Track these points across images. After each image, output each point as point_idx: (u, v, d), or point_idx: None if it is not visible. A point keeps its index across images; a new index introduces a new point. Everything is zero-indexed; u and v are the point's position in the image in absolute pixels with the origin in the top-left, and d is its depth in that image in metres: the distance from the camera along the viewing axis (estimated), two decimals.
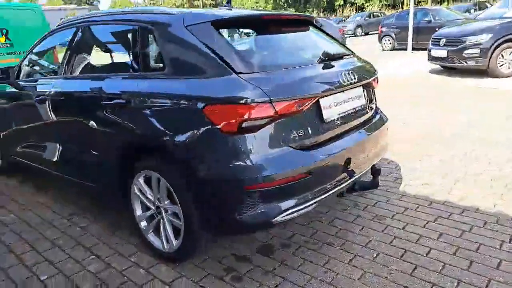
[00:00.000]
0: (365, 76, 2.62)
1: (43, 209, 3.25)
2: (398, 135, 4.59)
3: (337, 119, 2.30)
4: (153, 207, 2.38)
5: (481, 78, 7.77)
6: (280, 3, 50.36)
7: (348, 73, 2.36)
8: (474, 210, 2.81)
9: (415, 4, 14.93)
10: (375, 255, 2.35)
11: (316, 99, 2.14)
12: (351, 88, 2.42)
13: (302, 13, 3.11)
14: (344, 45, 2.92)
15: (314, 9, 43.15)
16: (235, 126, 1.89)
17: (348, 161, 2.33)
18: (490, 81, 7.51)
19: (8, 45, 9.08)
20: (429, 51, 8.82)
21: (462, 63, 7.97)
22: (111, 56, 2.91)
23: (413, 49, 13.30)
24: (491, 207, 2.83)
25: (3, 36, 9.02)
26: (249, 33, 2.85)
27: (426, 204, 2.95)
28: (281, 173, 1.95)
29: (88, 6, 79.27)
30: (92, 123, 2.56)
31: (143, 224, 2.47)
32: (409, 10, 13.49)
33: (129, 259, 2.43)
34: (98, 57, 2.99)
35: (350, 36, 26.00)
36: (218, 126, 1.92)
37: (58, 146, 3.04)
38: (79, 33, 2.90)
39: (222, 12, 2.36)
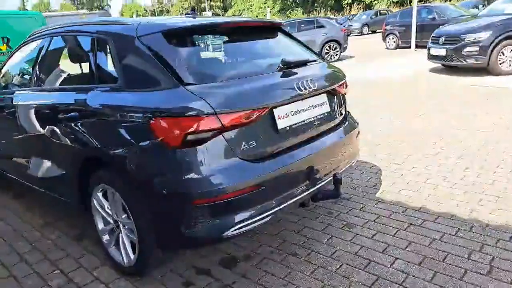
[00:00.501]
0: (329, 82, 2.56)
1: (16, 219, 3.28)
2: (383, 138, 4.51)
3: (295, 128, 2.25)
4: (111, 222, 2.37)
5: (483, 76, 7.58)
6: (288, 3, 50.36)
7: (308, 81, 2.31)
8: (448, 217, 2.72)
9: (423, 1, 14.65)
10: (338, 266, 2.29)
11: (268, 110, 2.09)
12: (311, 96, 2.37)
13: (267, 19, 3.08)
14: (312, 51, 2.86)
15: (322, 8, 42.98)
16: (180, 140, 1.86)
17: (308, 170, 2.28)
18: (492, 79, 7.32)
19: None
20: (429, 49, 8.65)
21: (462, 62, 7.79)
22: (70, 68, 2.92)
23: (417, 47, 13.09)
24: (467, 213, 2.74)
25: (4, 44, 9.22)
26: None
27: (401, 211, 2.87)
28: (230, 186, 1.91)
29: (98, 11, 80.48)
30: (51, 135, 2.57)
31: (105, 238, 2.46)
32: (413, 8, 13.29)
33: (91, 273, 2.42)
34: (60, 69, 3.01)
35: (356, 35, 25.85)
36: (164, 140, 1.89)
37: (27, 158, 3.07)
38: (45, 44, 2.92)
39: (176, 21, 2.34)
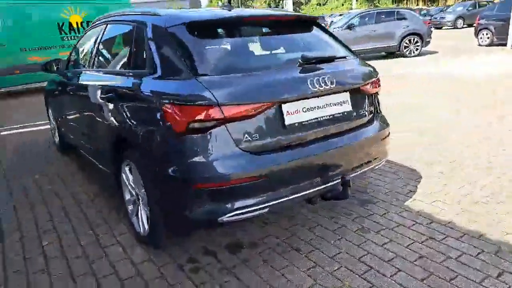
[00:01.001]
0: (354, 81, 2.50)
1: (76, 187, 3.75)
2: (440, 141, 4.22)
3: (306, 125, 2.25)
4: (134, 194, 2.62)
5: None
6: None
7: (326, 79, 2.28)
8: (476, 236, 2.51)
9: None
10: (336, 267, 2.27)
11: (275, 105, 2.13)
12: (328, 94, 2.34)
13: (298, 13, 3.02)
14: (346, 47, 2.79)
15: None
16: (184, 126, 2.00)
17: (318, 168, 2.28)
18: None
19: None
20: None
21: None
22: (117, 53, 3.20)
23: None
24: (498, 235, 2.50)
25: None
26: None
27: (425, 222, 2.71)
28: (228, 175, 2.01)
29: None
30: (98, 114, 2.88)
31: (130, 207, 2.73)
32: None
33: (116, 238, 2.71)
34: (111, 53, 3.32)
35: (449, 28, 23.77)
36: (172, 125, 2.04)
37: (85, 132, 3.47)
38: (102, 31, 3.25)
39: (202, 14, 2.46)
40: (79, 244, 2.68)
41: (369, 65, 2.77)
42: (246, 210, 2.08)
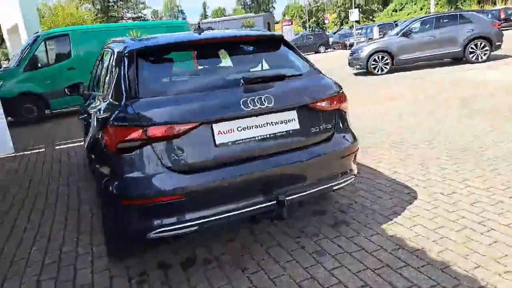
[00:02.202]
0: (302, 99, 2.44)
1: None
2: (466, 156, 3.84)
3: (241, 144, 2.26)
4: None
5: None
6: None
7: (263, 98, 2.28)
8: (441, 267, 2.26)
9: None
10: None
11: (206, 124, 2.18)
12: (270, 113, 2.32)
13: (260, 32, 3.01)
14: (308, 64, 2.73)
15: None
16: (114, 146, 2.15)
17: (250, 187, 2.27)
18: None
19: None
20: None
21: None
22: (100, 78, 3.48)
23: None
24: (469, 270, 2.22)
25: None
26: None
27: (391, 249, 2.50)
28: (152, 193, 2.11)
29: (263, 14, 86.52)
30: (90, 134, 3.17)
31: None
32: None
33: (92, 247, 2.95)
34: (99, 78, 3.63)
35: None
36: (107, 144, 2.21)
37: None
38: (100, 57, 3.59)
39: (154, 41, 2.61)
40: (60, 250, 2.97)
41: (331, 82, 2.68)
42: (173, 227, 2.15)
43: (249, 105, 2.25)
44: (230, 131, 2.24)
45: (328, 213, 3.10)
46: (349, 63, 13.14)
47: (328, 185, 2.56)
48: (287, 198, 2.32)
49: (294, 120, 2.42)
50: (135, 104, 2.19)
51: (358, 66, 12.61)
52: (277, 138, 2.37)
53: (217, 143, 2.21)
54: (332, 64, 17.56)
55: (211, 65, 2.77)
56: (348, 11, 39.37)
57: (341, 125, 2.65)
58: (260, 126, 2.32)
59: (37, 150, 6.68)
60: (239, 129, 2.26)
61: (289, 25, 39.52)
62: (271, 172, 2.32)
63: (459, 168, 3.74)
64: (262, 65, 2.79)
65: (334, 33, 42.71)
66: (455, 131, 5.02)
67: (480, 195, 3.13)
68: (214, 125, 2.21)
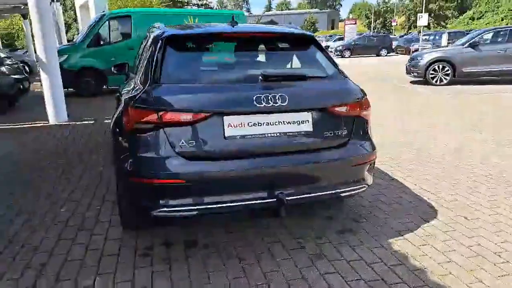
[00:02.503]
0: (319, 102, 2.44)
1: None
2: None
3: (250, 139, 2.32)
4: None
5: None
6: None
7: (278, 96, 2.31)
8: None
9: None
10: (261, 282, 2.27)
11: (217, 116, 2.26)
12: (284, 112, 2.36)
13: (291, 31, 2.97)
14: (334, 66, 2.71)
15: None
16: (130, 127, 2.30)
17: (253, 182, 2.32)
18: None
19: None
20: None
21: None
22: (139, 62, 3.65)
23: None
24: None
25: None
26: None
27: (391, 263, 2.45)
28: (159, 174, 2.23)
29: (328, 10, 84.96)
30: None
31: None
32: None
33: (111, 215, 3.18)
34: (137, 61, 3.82)
35: None
36: (125, 123, 2.37)
37: None
38: (143, 41, 3.78)
39: (186, 29, 2.72)
40: (83, 214, 3.23)
41: (354, 88, 2.64)
42: (174, 209, 2.27)
43: (262, 102, 2.29)
44: (240, 125, 2.30)
45: (338, 219, 3.08)
46: (406, 70, 12.59)
47: (334, 192, 2.54)
48: (287, 198, 2.34)
49: (308, 122, 2.43)
50: (156, 89, 2.32)
51: (415, 74, 12.05)
52: (288, 138, 2.39)
53: (226, 135, 2.28)
54: (389, 69, 16.93)
55: (238, 58, 2.83)
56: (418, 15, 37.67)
57: (359, 132, 2.61)
58: (272, 124, 2.36)
59: (87, 122, 7.19)
60: (250, 124, 2.32)
61: (352, 24, 38.45)
62: (275, 171, 2.36)
63: (493, 194, 3.52)
64: (290, 64, 2.80)
65: (401, 36, 40.94)
66: (503, 159, 4.70)
67: (506, 225, 2.94)
68: (225, 118, 2.28)
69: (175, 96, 2.29)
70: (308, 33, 2.89)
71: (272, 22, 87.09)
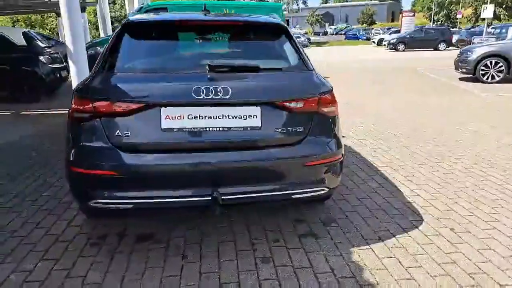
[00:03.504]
0: (270, 96, 2.26)
1: None
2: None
3: (188, 132, 2.20)
4: None
5: None
6: None
7: (221, 88, 2.17)
8: None
9: None
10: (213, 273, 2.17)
11: (153, 107, 2.17)
12: (228, 105, 2.21)
13: (257, 20, 2.77)
14: (300, 58, 2.50)
15: None
16: (71, 115, 2.28)
17: (190, 178, 2.22)
18: None
19: None
20: None
21: None
22: None
23: None
24: None
25: None
26: None
27: (340, 275, 2.22)
28: (93, 165, 2.19)
29: (389, 2, 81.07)
30: None
31: None
32: None
33: None
34: None
35: None
36: (68, 113, 2.34)
37: None
38: None
39: (153, 16, 2.66)
40: (62, 199, 3.32)
41: (316, 82, 2.42)
42: (109, 201, 2.22)
43: (201, 94, 2.16)
44: (179, 118, 2.19)
45: (308, 222, 2.87)
46: (455, 66, 11.62)
47: (283, 193, 2.35)
48: (223, 197, 2.20)
49: (256, 117, 2.26)
50: (97, 78, 2.28)
51: (464, 70, 11.08)
52: (232, 133, 2.24)
53: (162, 127, 2.19)
54: (442, 64, 15.74)
55: (195, 48, 2.70)
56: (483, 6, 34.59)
57: (318, 130, 2.39)
58: (215, 117, 2.22)
59: None
60: (190, 117, 2.20)
61: (410, 16, 36.33)
62: (213, 167, 2.22)
63: (495, 212, 3.07)
64: (251, 54, 2.62)
65: (467, 29, 37.84)
66: None
67: (497, 242, 2.57)
68: (162, 109, 2.18)
69: (113, 85, 2.24)
70: (276, 22, 2.68)
71: (327, 15, 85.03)
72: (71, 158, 2.28)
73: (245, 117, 2.25)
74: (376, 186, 3.55)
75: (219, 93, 2.18)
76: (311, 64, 2.55)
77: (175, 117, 2.19)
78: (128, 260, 2.40)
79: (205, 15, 2.72)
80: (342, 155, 2.54)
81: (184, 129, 2.20)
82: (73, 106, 2.25)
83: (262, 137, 2.28)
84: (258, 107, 2.26)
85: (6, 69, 8.18)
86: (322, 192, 2.46)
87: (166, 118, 2.19)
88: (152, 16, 2.75)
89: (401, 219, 2.90)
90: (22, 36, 8.54)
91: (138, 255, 2.45)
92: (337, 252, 2.47)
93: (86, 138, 2.23)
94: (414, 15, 37.48)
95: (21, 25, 41.23)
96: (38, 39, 8.99)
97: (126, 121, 2.19)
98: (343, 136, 4.90)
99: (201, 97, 2.17)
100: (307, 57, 2.58)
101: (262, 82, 2.32)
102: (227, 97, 2.18)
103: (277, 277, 2.22)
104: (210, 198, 2.19)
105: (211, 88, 2.18)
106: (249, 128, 2.25)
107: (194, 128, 2.21)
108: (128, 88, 2.21)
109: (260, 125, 2.26)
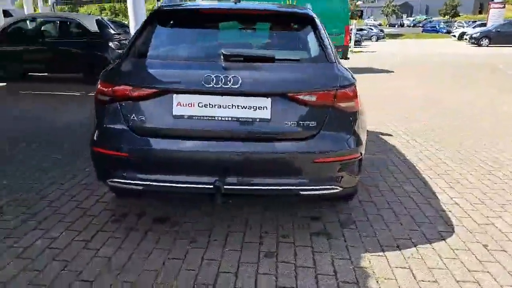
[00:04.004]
0: (282, 87, 2.20)
1: None
2: None
3: (198, 120, 2.22)
4: None
5: None
6: None
7: (231, 78, 2.16)
8: None
9: None
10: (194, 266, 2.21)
11: (166, 93, 2.22)
12: (239, 95, 2.19)
13: (281, 9, 2.65)
14: (323, 50, 2.38)
15: None
16: (95, 98, 2.42)
17: (197, 165, 2.24)
18: None
19: None
20: None
21: None
22: None
23: None
24: None
25: None
26: None
27: (345, 280, 2.12)
28: (110, 146, 2.32)
29: None
30: None
31: None
32: None
33: None
34: None
35: None
36: (94, 95, 2.48)
37: None
38: None
39: (180, 5, 2.71)
40: None
41: (335, 74, 2.29)
42: (123, 181, 2.33)
43: (211, 82, 2.17)
44: (190, 105, 2.22)
45: (324, 221, 2.77)
46: None
47: (289, 188, 2.27)
48: (225, 187, 2.20)
49: (266, 108, 2.21)
50: (120, 64, 2.39)
51: None
52: (241, 124, 2.21)
53: (174, 114, 2.23)
54: None
55: (218, 37, 2.69)
56: None
57: (334, 125, 2.27)
58: (224, 107, 2.21)
59: None
60: (200, 105, 2.22)
61: (499, 7, 32.77)
62: (219, 156, 2.22)
63: None
64: (274, 44, 2.56)
65: None
66: None
67: None
68: (174, 96, 2.22)
69: (132, 71, 2.33)
70: (303, 12, 2.58)
71: (406, 6, 79.99)
72: (93, 138, 2.43)
73: (254, 108, 2.21)
74: (411, 190, 3.30)
75: (228, 82, 2.16)
76: (335, 56, 2.42)
77: (186, 104, 2.23)
78: (141, 239, 2.52)
79: (235, 3, 2.70)
80: (361, 153, 2.39)
81: (194, 117, 2.23)
82: (97, 89, 2.39)
83: (271, 129, 2.23)
84: (269, 99, 2.21)
85: (79, 53, 8.93)
86: (334, 191, 2.35)
87: (177, 105, 2.23)
88: (181, 4, 2.80)
89: (429, 228, 2.67)
90: (95, 23, 9.23)
91: (151, 235, 2.56)
92: (346, 255, 2.35)
93: (106, 120, 2.35)
94: (504, 7, 33.75)
95: (107, 13, 44.65)
96: (109, 26, 9.64)
97: (141, 106, 2.27)
98: (390, 135, 4.57)
99: (211, 85, 2.17)
100: (332, 49, 2.45)
101: (275, 73, 2.26)
102: (236, 86, 2.16)
103: (276, 273, 2.18)
104: (212, 186, 2.20)
105: (222, 77, 2.17)
106: (258, 120, 2.21)
107: (203, 116, 2.22)
108: (145, 75, 2.29)
109: (269, 117, 2.21)
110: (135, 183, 2.32)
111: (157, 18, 2.59)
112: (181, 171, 2.28)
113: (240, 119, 2.22)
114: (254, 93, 2.20)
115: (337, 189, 2.34)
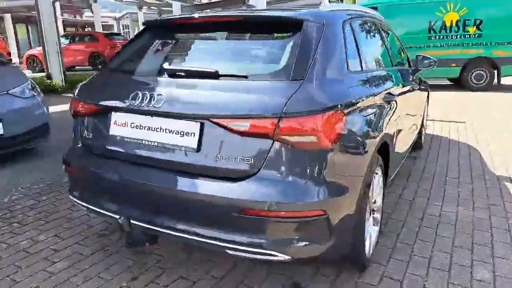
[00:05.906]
0: (213, 110, 1.73)
1: None
2: None
3: (129, 142, 1.94)
4: None
5: None
6: None
7: (156, 97, 1.82)
8: None
9: None
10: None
11: (106, 111, 2.04)
12: (168, 117, 1.84)
13: (264, 13, 2.04)
14: (296, 60, 1.79)
15: None
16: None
17: (122, 195, 1.99)
18: None
19: (477, 35, 9.06)
20: None
21: None
22: None
23: None
24: None
25: (475, 26, 9.05)
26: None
27: None
28: (66, 160, 2.26)
29: None
30: None
31: None
32: None
33: None
34: None
35: None
36: None
37: None
38: None
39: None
40: None
41: (300, 97, 1.66)
42: (75, 199, 2.21)
43: (136, 100, 1.87)
44: (124, 125, 1.95)
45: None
46: None
47: (210, 242, 1.75)
48: (132, 222, 1.87)
49: (194, 135, 1.76)
50: (92, 77, 2.34)
51: None
52: (163, 151, 1.85)
53: (110, 133, 2.01)
54: None
55: (183, 49, 2.38)
56: None
57: (279, 165, 1.65)
58: (152, 129, 1.87)
59: None
60: (132, 125, 1.93)
61: None
62: (131, 186, 1.90)
63: None
64: (247, 55, 2.08)
65: None
66: None
67: None
68: (112, 114, 2.00)
69: (90, 86, 2.29)
70: (299, 16, 1.96)
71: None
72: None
73: (182, 133, 1.81)
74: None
75: (151, 101, 1.83)
76: (313, 71, 1.77)
77: (120, 123, 1.99)
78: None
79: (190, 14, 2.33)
80: (324, 211, 1.69)
81: (125, 138, 1.96)
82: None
83: (197, 162, 1.76)
84: (198, 123, 1.77)
85: None
86: (276, 258, 1.71)
87: (114, 123, 2.02)
88: (174, 16, 2.59)
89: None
90: None
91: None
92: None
93: (73, 134, 2.30)
94: None
95: None
96: None
97: (89, 122, 2.18)
98: None
99: (136, 104, 1.87)
100: (326, 62, 1.85)
101: (212, 92, 1.81)
102: (158, 106, 1.81)
103: None
104: (120, 217, 1.90)
105: (148, 94, 1.86)
106: (183, 148, 1.80)
107: (133, 138, 1.93)
108: (96, 90, 2.22)
109: (196, 146, 1.77)
110: (77, 202, 2.21)
111: (142, 31, 2.43)
112: (104, 195, 2.07)
113: (165, 145, 1.85)
114: (182, 115, 1.80)
115: (280, 257, 1.71)
